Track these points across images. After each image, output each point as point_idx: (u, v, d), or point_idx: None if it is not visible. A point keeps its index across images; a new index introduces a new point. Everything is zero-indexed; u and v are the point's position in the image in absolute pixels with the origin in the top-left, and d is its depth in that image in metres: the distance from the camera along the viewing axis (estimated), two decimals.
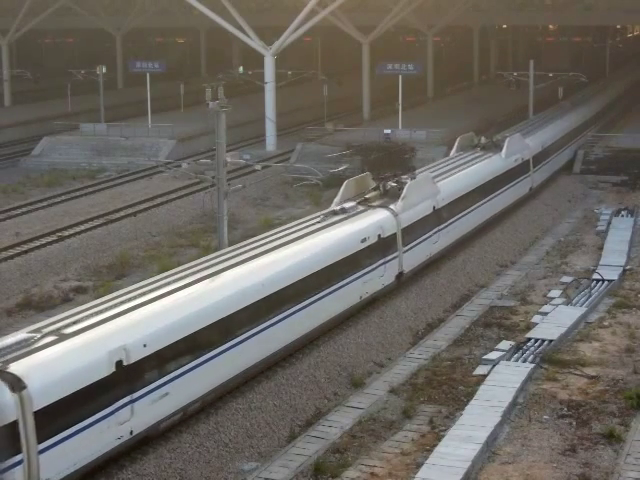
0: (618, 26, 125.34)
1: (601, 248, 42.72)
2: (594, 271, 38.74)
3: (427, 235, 36.97)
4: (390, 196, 35.50)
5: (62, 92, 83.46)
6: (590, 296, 35.45)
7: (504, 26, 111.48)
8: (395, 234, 34.09)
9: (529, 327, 32.47)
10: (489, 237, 43.92)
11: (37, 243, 42.26)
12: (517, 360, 29.17)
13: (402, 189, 35.57)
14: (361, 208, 34.08)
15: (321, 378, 28.34)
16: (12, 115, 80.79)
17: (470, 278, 38.85)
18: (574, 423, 25.26)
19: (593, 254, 42.25)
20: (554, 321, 32.61)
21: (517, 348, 30.22)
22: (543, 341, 30.64)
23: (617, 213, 49.40)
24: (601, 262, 40.16)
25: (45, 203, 51.07)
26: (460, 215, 40.32)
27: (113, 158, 65.14)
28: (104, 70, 72.49)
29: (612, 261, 40.18)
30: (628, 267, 39.83)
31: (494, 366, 28.61)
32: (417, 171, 40.85)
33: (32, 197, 53.32)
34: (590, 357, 29.88)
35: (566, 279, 38.21)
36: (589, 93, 77.13)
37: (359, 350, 30.58)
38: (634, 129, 66.48)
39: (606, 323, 33.09)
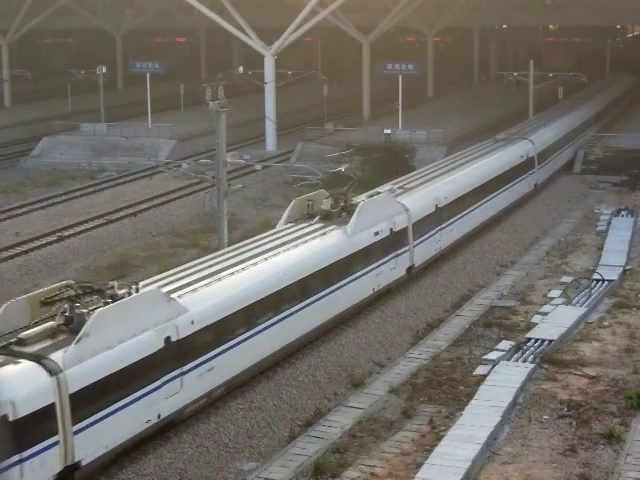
0: (618, 26, 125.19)
1: (601, 248, 42.72)
2: (594, 271, 38.74)
3: None
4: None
5: (62, 92, 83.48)
6: (590, 296, 35.45)
7: (504, 26, 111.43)
8: None
9: (529, 327, 32.47)
10: (489, 237, 43.92)
11: (37, 243, 42.27)
12: (517, 360, 29.17)
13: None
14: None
15: (321, 378, 28.35)
16: (12, 115, 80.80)
17: (470, 278, 38.85)
18: (574, 423, 25.26)
19: (593, 254, 42.25)
20: (554, 321, 32.61)
21: (517, 348, 30.22)
22: (543, 341, 30.65)
23: (617, 213, 49.40)
24: (601, 262, 40.16)
25: (45, 203, 51.07)
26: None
27: (113, 158, 65.14)
28: (104, 70, 72.48)
29: (612, 261, 40.18)
30: (628, 267, 39.83)
31: (494, 366, 28.61)
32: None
33: (32, 197, 53.30)
34: (590, 357, 29.88)
35: (566, 279, 38.21)
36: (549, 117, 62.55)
37: (359, 350, 30.58)
38: (634, 129, 66.46)
39: (606, 323, 33.09)
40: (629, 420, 25.37)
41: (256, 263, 27.62)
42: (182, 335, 23.29)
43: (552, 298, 35.86)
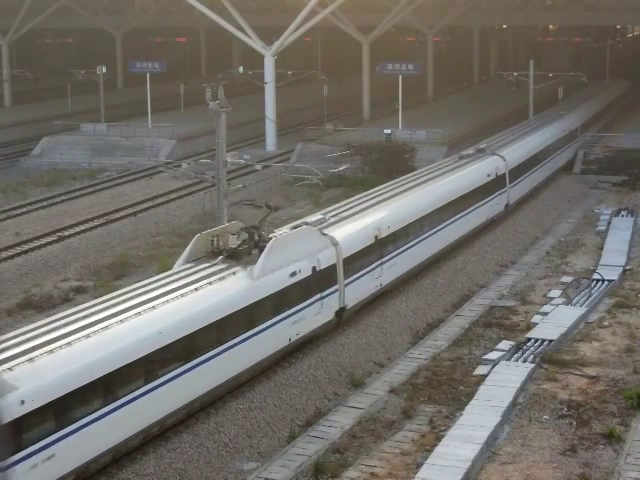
0: (618, 26, 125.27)
1: (601, 248, 42.71)
2: (594, 271, 38.74)
3: None
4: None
5: (62, 92, 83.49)
6: (590, 296, 35.45)
7: (504, 26, 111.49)
8: None
9: (529, 327, 32.46)
10: (489, 237, 43.92)
11: (37, 243, 42.29)
12: (517, 360, 29.16)
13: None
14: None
15: (321, 378, 28.35)
16: (12, 115, 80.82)
17: (470, 278, 38.84)
18: (574, 423, 25.26)
19: (593, 254, 42.24)
20: (554, 321, 32.60)
21: (517, 348, 30.21)
22: (543, 341, 30.64)
23: (617, 213, 49.39)
24: (601, 262, 40.14)
25: (45, 203, 51.10)
26: None
27: (113, 158, 65.15)
28: (104, 70, 72.48)
29: (612, 261, 40.16)
30: (628, 267, 39.82)
31: (494, 366, 28.60)
32: None
33: (32, 197, 53.31)
34: (590, 357, 29.87)
35: (566, 279, 38.20)
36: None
37: (359, 350, 30.58)
38: (634, 129, 66.46)
39: (606, 323, 33.09)
40: (629, 420, 25.37)
41: (122, 320, 22.68)
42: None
43: (552, 298, 35.84)
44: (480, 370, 28.76)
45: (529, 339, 30.99)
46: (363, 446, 24.31)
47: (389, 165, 58.12)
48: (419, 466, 22.68)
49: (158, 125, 68.34)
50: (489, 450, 23.62)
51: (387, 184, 39.62)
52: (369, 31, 76.53)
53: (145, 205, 49.95)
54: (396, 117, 66.24)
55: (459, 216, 40.16)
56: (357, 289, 31.71)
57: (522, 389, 27.07)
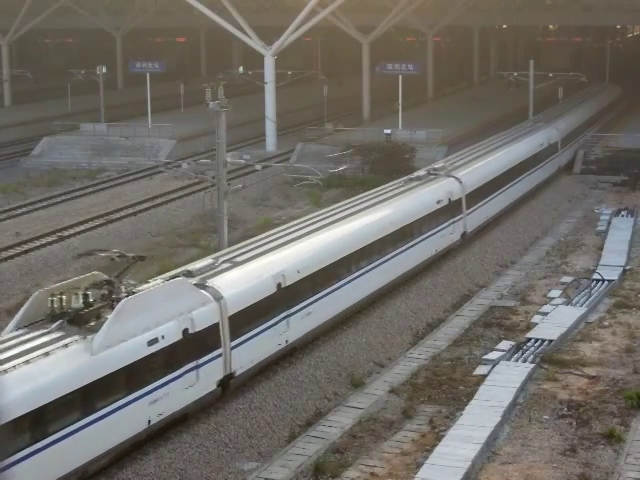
0: (618, 26, 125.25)
1: (601, 248, 42.71)
2: (594, 271, 38.74)
3: None
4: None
5: (62, 92, 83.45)
6: (590, 296, 35.45)
7: (504, 26, 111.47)
8: None
9: (529, 327, 32.47)
10: (489, 237, 43.92)
11: (37, 243, 42.28)
12: (517, 360, 29.16)
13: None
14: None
15: (321, 378, 28.35)
16: (12, 115, 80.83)
17: (470, 278, 38.84)
18: (574, 423, 25.26)
19: (593, 254, 42.24)
20: (554, 321, 32.61)
21: (517, 348, 30.22)
22: (543, 341, 30.64)
23: (617, 213, 49.41)
24: (601, 262, 40.15)
25: (45, 203, 51.08)
26: None
27: (113, 158, 65.15)
28: (104, 70, 72.48)
29: (612, 261, 40.17)
30: (628, 267, 39.83)
31: (494, 366, 28.60)
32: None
33: (32, 197, 53.31)
34: (590, 357, 29.88)
35: (566, 279, 38.21)
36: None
37: (359, 350, 30.58)
38: (634, 129, 66.45)
39: (606, 323, 33.09)
40: (629, 420, 25.37)
41: None
42: None
43: (552, 298, 35.85)
44: (480, 370, 28.76)
45: (529, 339, 31.00)
46: (363, 446, 24.31)
47: (389, 165, 58.12)
48: (419, 466, 22.68)
49: (158, 125, 68.34)
50: (489, 450, 23.62)
51: (304, 219, 33.86)
52: (369, 31, 76.53)
53: (145, 205, 49.95)
54: (396, 117, 66.25)
55: (396, 252, 34.70)
56: (251, 351, 26.37)
57: (522, 389, 27.07)
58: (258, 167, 38.83)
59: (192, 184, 53.19)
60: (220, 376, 25.14)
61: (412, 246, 35.87)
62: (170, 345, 23.14)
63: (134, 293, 23.31)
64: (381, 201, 36.18)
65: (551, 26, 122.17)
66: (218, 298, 25.02)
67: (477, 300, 36.33)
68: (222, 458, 23.72)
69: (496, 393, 26.45)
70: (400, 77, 65.52)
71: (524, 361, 29.03)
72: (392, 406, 26.67)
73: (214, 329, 24.74)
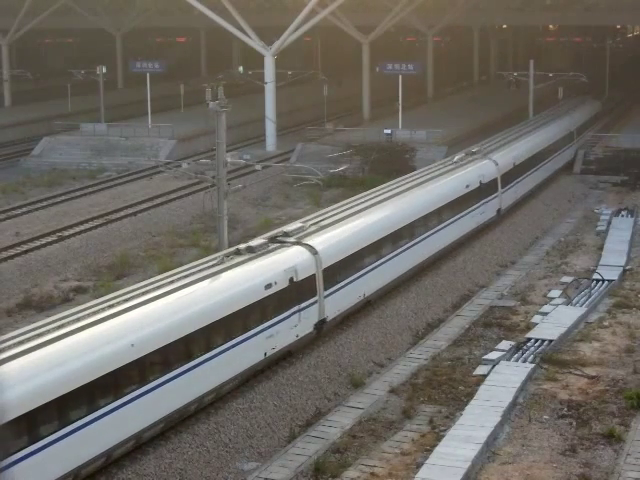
0: (618, 26, 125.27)
1: (601, 248, 42.71)
2: (594, 271, 38.74)
3: None
4: None
5: (62, 92, 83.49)
6: (590, 296, 35.45)
7: (504, 26, 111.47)
8: None
9: (529, 327, 32.47)
10: (489, 237, 43.93)
11: (37, 243, 42.28)
12: (517, 360, 29.17)
13: None
14: None
15: (321, 378, 28.35)
16: (12, 115, 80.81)
17: (470, 278, 38.85)
18: (574, 423, 25.26)
19: (593, 254, 42.25)
20: (554, 321, 32.61)
21: (517, 348, 30.22)
22: (543, 341, 30.65)
23: (617, 213, 49.41)
24: (601, 262, 40.15)
25: (45, 203, 51.08)
26: None
27: (113, 158, 65.15)
28: (104, 70, 72.48)
29: (612, 261, 40.17)
30: (628, 267, 39.83)
31: (494, 366, 28.61)
32: None
33: (32, 197, 53.31)
34: (590, 357, 29.87)
35: (566, 279, 38.21)
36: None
37: (359, 350, 30.58)
38: (634, 129, 66.45)
39: (606, 323, 33.09)
40: (629, 420, 25.37)
41: None
42: None
43: (552, 298, 35.85)
44: (480, 370, 28.76)
45: (529, 339, 31.00)
46: (363, 446, 24.31)
47: (389, 165, 58.14)
48: (419, 466, 22.68)
49: (158, 125, 68.34)
50: (489, 450, 23.62)
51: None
52: (369, 31, 76.54)
53: (145, 205, 49.95)
54: (396, 117, 66.26)
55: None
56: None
57: (522, 389, 27.07)
58: (258, 167, 38.83)
59: (192, 184, 53.20)
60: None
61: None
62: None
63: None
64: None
65: (551, 26, 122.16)
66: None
67: (477, 300, 36.33)
68: (222, 458, 23.72)
69: (496, 393, 26.46)
70: (400, 77, 65.51)
71: (524, 361, 29.03)
72: (392, 406, 26.67)
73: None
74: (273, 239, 29.59)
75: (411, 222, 35.80)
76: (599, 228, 46.82)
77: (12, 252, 40.84)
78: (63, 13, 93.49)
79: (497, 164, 45.34)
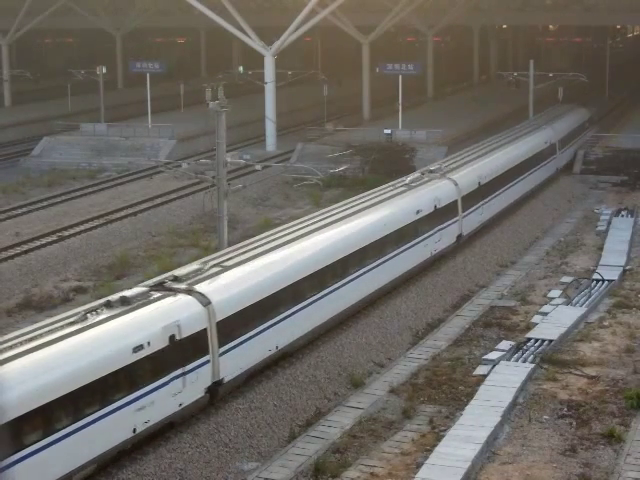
0: (618, 26, 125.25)
1: (601, 248, 42.72)
2: (594, 271, 38.75)
3: None
4: None
5: (62, 92, 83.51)
6: (590, 296, 35.45)
7: (504, 26, 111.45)
8: None
9: (529, 327, 32.48)
10: (489, 237, 43.92)
11: (37, 243, 42.27)
12: (517, 360, 29.17)
13: None
14: None
15: (321, 378, 28.35)
16: (12, 115, 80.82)
17: (470, 278, 38.85)
18: (574, 423, 25.26)
19: (593, 254, 42.25)
20: (554, 321, 32.61)
21: (517, 348, 30.22)
22: (543, 341, 30.65)
23: (617, 213, 49.42)
24: (601, 262, 40.16)
25: (45, 203, 51.07)
26: None
27: (113, 158, 65.15)
28: (104, 70, 72.49)
29: (612, 261, 40.18)
30: (628, 267, 39.83)
31: (494, 366, 28.61)
32: None
33: (32, 197, 53.31)
34: (590, 357, 29.88)
35: (566, 279, 38.21)
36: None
37: (359, 350, 30.58)
38: (634, 129, 66.44)
39: (606, 323, 33.09)
40: (629, 420, 25.37)
41: None
42: None
43: (552, 298, 35.86)
44: (480, 370, 28.76)
45: (529, 339, 31.01)
46: (363, 446, 24.31)
47: (389, 165, 58.14)
48: (419, 466, 22.68)
49: (158, 125, 68.34)
50: (489, 450, 23.62)
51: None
52: (369, 31, 76.54)
53: (145, 205, 49.95)
54: (396, 117, 66.25)
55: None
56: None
57: (522, 389, 27.07)
58: (258, 167, 38.84)
59: (192, 184, 53.19)
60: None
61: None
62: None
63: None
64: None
65: (551, 26, 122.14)
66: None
67: (477, 300, 36.33)
68: (222, 458, 23.71)
69: (496, 393, 26.46)
70: (400, 77, 65.50)
71: (524, 361, 29.03)
72: (392, 406, 26.67)
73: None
74: (158, 286, 24.91)
75: (341, 258, 30.61)
76: (599, 228, 46.83)
77: (12, 252, 40.83)
78: (63, 13, 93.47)
79: (457, 184, 40.00)
